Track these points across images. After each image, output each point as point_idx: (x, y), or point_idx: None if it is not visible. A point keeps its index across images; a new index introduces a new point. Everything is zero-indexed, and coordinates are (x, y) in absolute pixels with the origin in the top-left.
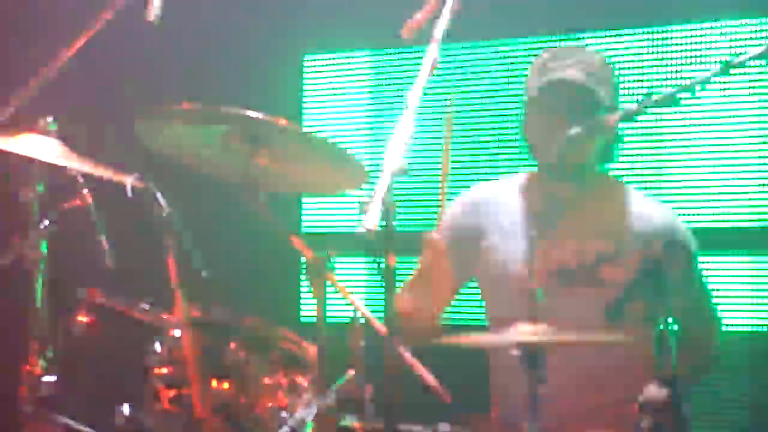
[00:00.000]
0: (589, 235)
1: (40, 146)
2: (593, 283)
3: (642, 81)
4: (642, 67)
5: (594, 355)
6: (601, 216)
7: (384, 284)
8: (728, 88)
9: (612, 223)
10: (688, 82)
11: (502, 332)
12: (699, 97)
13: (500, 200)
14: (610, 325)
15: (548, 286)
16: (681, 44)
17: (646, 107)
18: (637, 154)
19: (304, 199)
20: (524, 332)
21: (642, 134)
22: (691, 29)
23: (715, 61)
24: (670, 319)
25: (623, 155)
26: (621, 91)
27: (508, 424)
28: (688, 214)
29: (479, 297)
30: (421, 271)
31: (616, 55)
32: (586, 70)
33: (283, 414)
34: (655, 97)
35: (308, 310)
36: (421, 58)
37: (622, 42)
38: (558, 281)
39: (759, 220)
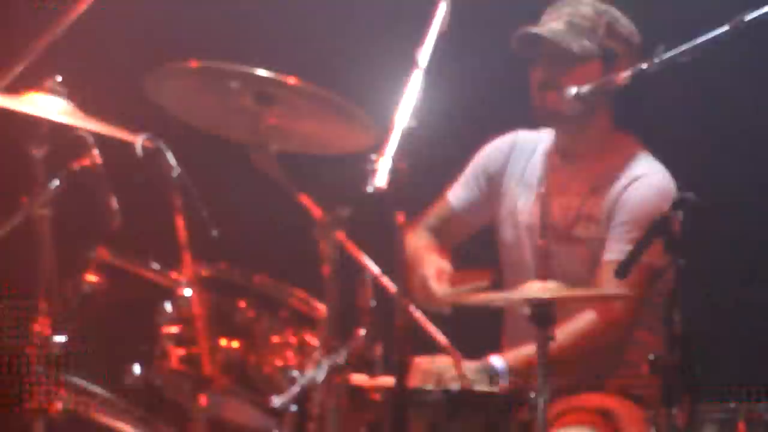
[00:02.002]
0: (574, 191)
1: (49, 105)
2: (571, 241)
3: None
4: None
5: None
6: (592, 173)
7: (394, 243)
8: None
9: (600, 181)
10: (701, 39)
11: (511, 289)
12: None
13: (526, 148)
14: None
15: (535, 241)
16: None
17: (659, 65)
18: None
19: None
20: (534, 289)
21: None
22: None
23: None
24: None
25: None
26: (634, 44)
27: (521, 385)
28: None
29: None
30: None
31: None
32: (570, 21)
33: (293, 373)
34: (667, 55)
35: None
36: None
37: None
38: (548, 237)
39: None
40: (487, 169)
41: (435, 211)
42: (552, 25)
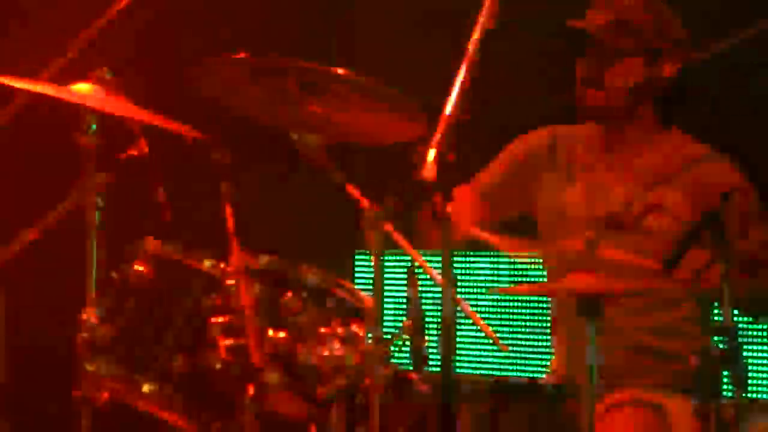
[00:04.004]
0: (638, 182)
1: (97, 96)
2: (640, 232)
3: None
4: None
5: (647, 308)
6: (652, 164)
7: (441, 233)
8: None
9: (663, 172)
10: (752, 30)
11: (560, 280)
12: None
13: (567, 141)
14: (665, 274)
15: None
16: None
17: (708, 56)
18: None
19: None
20: (582, 281)
21: None
22: None
23: None
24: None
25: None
26: (679, 40)
27: (569, 377)
28: None
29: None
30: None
31: None
32: (616, 17)
33: (339, 363)
34: (716, 46)
35: (362, 260)
36: None
37: None
38: (599, 228)
39: None
40: (524, 161)
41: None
42: (598, 19)
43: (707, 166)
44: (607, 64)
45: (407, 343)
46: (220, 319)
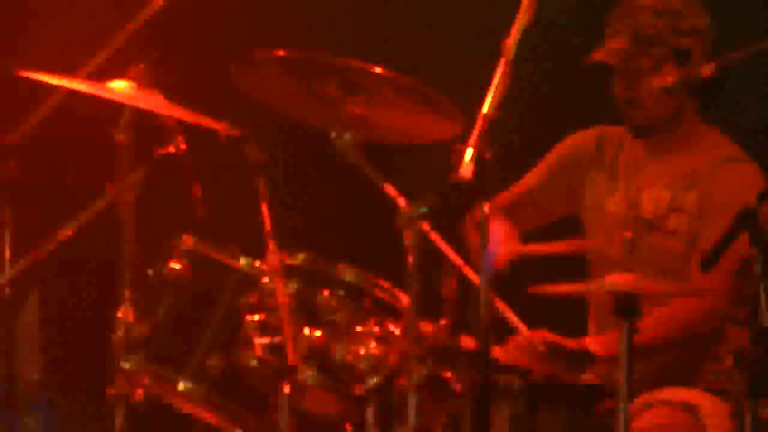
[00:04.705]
0: (664, 184)
1: (134, 93)
2: (662, 234)
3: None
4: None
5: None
6: (682, 166)
7: (480, 233)
8: None
9: (692, 174)
10: None
11: (597, 280)
12: None
13: (613, 141)
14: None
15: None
16: None
17: (744, 55)
18: None
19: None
20: (619, 281)
21: None
22: None
23: None
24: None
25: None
26: (703, 31)
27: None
28: None
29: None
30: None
31: None
32: (633, 34)
33: (375, 362)
34: (754, 45)
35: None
36: None
37: None
38: (636, 229)
39: None
40: (571, 160)
41: (510, 194)
42: (616, 42)
43: (730, 167)
44: (640, 80)
45: (443, 342)
46: (256, 317)
